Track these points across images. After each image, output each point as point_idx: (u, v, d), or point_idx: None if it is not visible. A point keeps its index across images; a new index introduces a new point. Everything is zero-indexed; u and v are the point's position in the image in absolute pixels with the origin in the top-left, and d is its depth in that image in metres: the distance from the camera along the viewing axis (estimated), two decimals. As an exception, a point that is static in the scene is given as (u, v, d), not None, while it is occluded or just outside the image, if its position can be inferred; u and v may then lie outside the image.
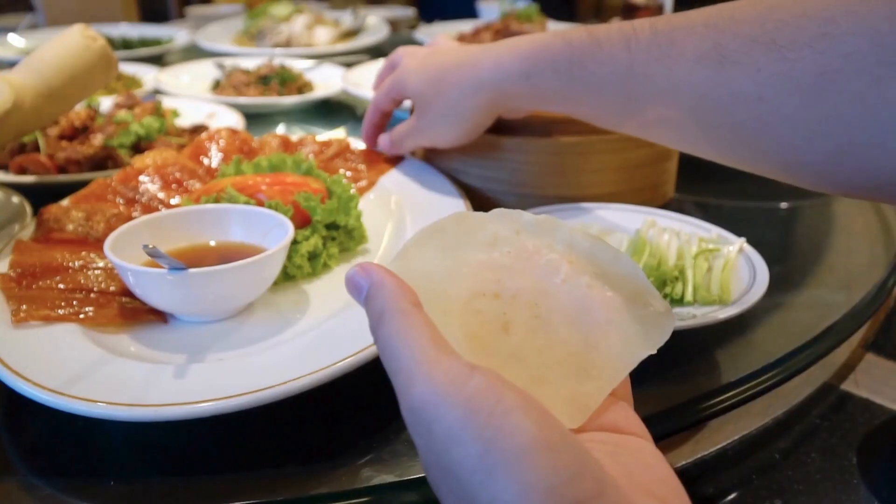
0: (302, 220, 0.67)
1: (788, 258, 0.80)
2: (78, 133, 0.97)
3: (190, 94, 1.31)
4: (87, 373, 0.50)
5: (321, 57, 1.69)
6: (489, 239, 0.37)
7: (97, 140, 0.94)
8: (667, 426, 0.54)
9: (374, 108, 0.86)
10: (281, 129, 1.25)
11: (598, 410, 0.34)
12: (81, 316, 0.57)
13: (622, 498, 0.27)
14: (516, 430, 0.26)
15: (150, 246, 0.54)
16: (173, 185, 0.77)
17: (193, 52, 1.85)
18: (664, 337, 0.36)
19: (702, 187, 0.97)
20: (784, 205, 0.97)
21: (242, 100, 1.28)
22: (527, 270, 0.37)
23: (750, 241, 0.69)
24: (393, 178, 0.83)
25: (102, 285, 0.61)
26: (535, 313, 0.35)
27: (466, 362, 0.29)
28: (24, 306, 0.57)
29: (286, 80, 1.38)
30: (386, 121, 0.88)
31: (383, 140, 0.85)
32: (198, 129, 1.06)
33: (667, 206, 0.84)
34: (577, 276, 0.36)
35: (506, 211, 0.38)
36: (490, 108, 0.70)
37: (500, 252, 0.37)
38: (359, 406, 0.54)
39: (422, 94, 0.75)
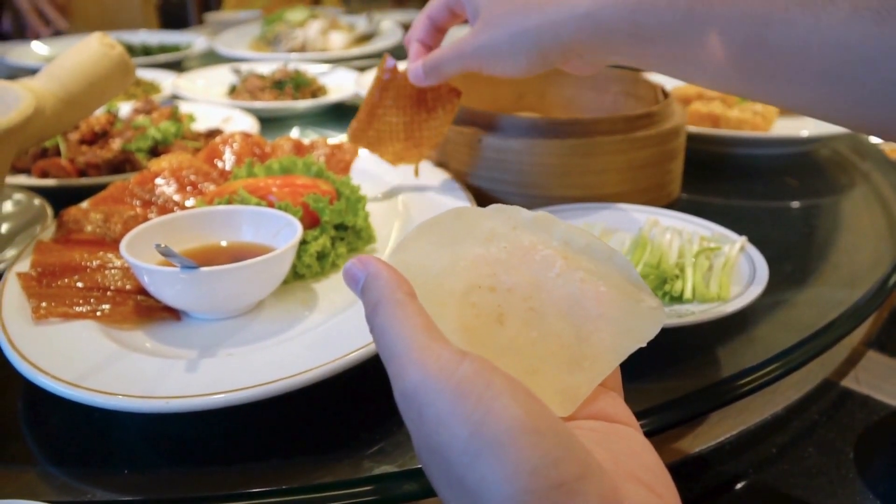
0: (311, 221, 0.69)
1: (793, 256, 0.80)
2: (97, 138, 1.00)
3: (206, 99, 1.34)
4: (104, 367, 0.53)
5: (335, 61, 1.71)
6: (486, 234, 0.38)
7: (116, 144, 0.97)
8: (666, 419, 0.55)
9: (426, 18, 0.73)
10: (295, 132, 1.27)
11: (588, 400, 0.35)
12: (98, 313, 0.59)
13: (606, 481, 0.28)
14: (503, 413, 0.28)
15: (163, 245, 0.56)
16: (188, 188, 0.79)
17: (211, 58, 1.88)
18: (654, 331, 0.37)
19: (708, 187, 0.98)
20: (791, 204, 0.97)
21: (257, 104, 1.31)
22: (522, 265, 0.38)
23: (755, 240, 0.70)
24: (400, 179, 0.85)
25: (119, 284, 0.63)
26: (529, 306, 0.37)
27: (457, 349, 0.30)
28: (44, 304, 0.59)
29: (300, 85, 1.40)
30: (436, 40, 0.75)
31: (415, 69, 0.72)
32: (213, 133, 1.08)
33: (672, 205, 0.85)
34: (572, 272, 0.38)
35: (503, 207, 0.39)
36: (572, 45, 0.58)
37: (497, 247, 0.38)
38: (363, 399, 0.56)
39: (494, 3, 0.63)
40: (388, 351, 0.32)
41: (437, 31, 0.73)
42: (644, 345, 0.37)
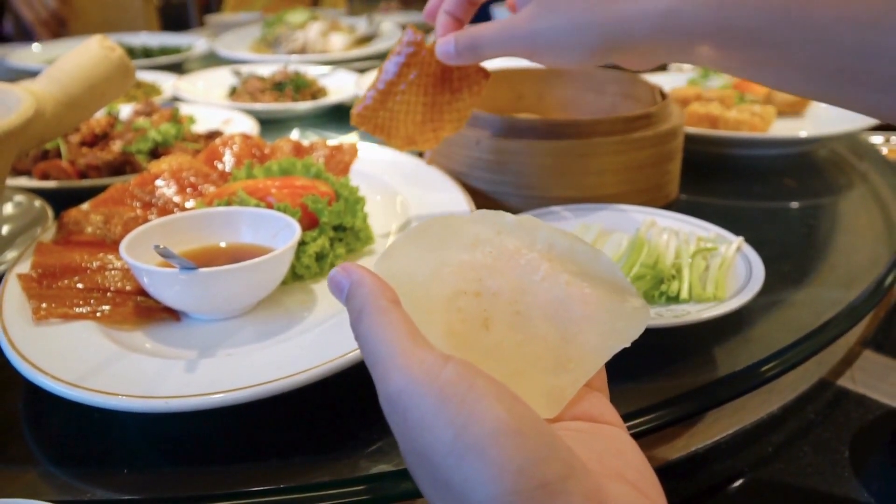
0: (310, 222, 0.69)
1: (791, 257, 0.81)
2: (98, 140, 1.00)
3: (207, 101, 1.34)
4: (104, 367, 0.53)
5: (336, 63, 1.72)
6: (471, 240, 0.39)
7: (116, 146, 0.98)
8: (663, 418, 0.55)
9: None
10: (295, 134, 1.28)
11: (573, 401, 0.36)
12: (98, 314, 0.60)
13: (591, 480, 0.28)
14: (487, 415, 0.28)
15: (161, 246, 0.56)
16: (188, 189, 0.79)
17: (212, 60, 1.89)
18: (639, 331, 0.37)
19: (706, 188, 0.98)
20: (789, 204, 0.97)
21: (257, 106, 1.31)
22: (507, 270, 0.38)
23: (753, 241, 0.70)
24: (398, 180, 0.85)
25: (119, 285, 0.63)
26: (514, 310, 0.37)
27: (441, 353, 0.31)
28: (45, 305, 0.60)
29: (300, 87, 1.40)
30: (467, 14, 0.67)
31: (445, 44, 0.64)
32: (213, 135, 1.09)
33: (670, 206, 0.86)
34: (557, 275, 0.38)
35: (487, 212, 0.40)
36: (644, 43, 0.52)
37: (482, 252, 0.39)
38: (360, 399, 0.56)
39: None
40: (372, 357, 0.32)
41: (470, 4, 0.64)
42: (628, 345, 0.37)
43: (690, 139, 0.98)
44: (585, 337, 0.37)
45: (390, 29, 2.10)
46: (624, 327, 0.37)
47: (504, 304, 0.37)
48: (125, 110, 1.17)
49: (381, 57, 1.87)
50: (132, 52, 1.90)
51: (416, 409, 0.29)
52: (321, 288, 0.67)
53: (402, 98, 0.71)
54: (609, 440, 0.34)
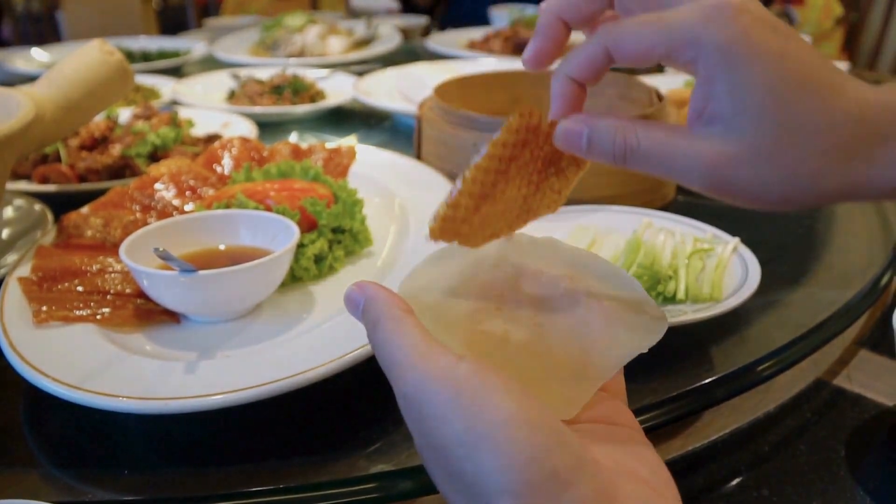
0: (309, 225, 0.69)
1: (787, 257, 0.81)
2: (97, 143, 1.00)
3: (206, 105, 1.35)
4: (104, 369, 0.53)
5: (334, 66, 1.72)
6: (493, 261, 0.40)
7: (116, 150, 0.98)
8: (660, 417, 0.55)
9: (599, 48, 0.38)
10: (293, 137, 1.28)
11: (591, 405, 0.37)
12: (99, 316, 0.60)
13: (602, 474, 0.29)
14: (498, 407, 0.29)
15: (161, 249, 0.56)
16: (187, 192, 0.80)
17: (210, 63, 1.89)
18: (656, 338, 0.38)
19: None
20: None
21: (256, 109, 1.32)
22: (528, 288, 0.39)
23: (750, 242, 0.70)
24: (397, 182, 0.86)
25: (119, 288, 0.64)
26: (535, 323, 0.38)
27: (455, 353, 0.32)
28: (45, 307, 0.60)
29: (299, 90, 1.41)
30: (597, 80, 0.40)
31: (576, 136, 0.39)
32: (212, 138, 1.09)
33: (667, 207, 0.86)
34: (576, 290, 0.39)
35: (510, 236, 0.41)
36: (859, 201, 0.39)
37: (504, 272, 0.40)
38: (360, 399, 0.57)
39: (771, 87, 0.34)
40: (388, 361, 0.33)
41: (606, 68, 0.39)
42: (645, 350, 0.38)
43: (687, 141, 0.98)
44: (604, 346, 0.37)
45: (388, 32, 2.10)
46: (642, 336, 0.38)
47: (525, 318, 0.38)
48: (124, 114, 1.17)
49: (380, 60, 1.87)
50: (131, 56, 1.91)
51: (430, 403, 0.30)
52: (320, 290, 0.67)
53: (504, 196, 0.46)
54: (624, 441, 0.34)
